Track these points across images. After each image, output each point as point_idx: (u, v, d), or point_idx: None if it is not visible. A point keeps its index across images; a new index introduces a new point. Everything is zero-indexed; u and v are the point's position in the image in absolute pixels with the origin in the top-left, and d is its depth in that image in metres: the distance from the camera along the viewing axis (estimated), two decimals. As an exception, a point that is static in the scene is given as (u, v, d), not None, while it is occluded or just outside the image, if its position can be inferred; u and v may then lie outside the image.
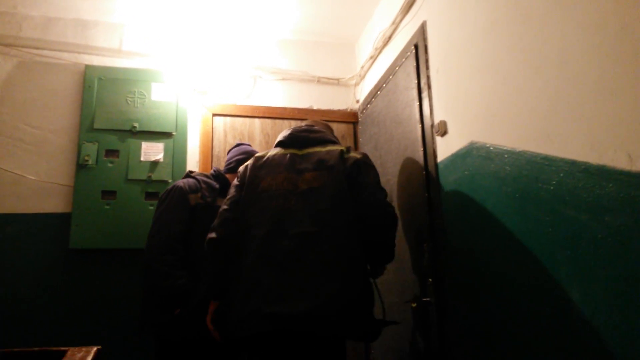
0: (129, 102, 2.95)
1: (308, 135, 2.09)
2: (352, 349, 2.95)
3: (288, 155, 2.04)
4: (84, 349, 1.26)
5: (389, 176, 2.58)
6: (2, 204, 2.74)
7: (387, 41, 2.77)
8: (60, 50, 2.99)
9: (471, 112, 1.89)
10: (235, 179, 2.12)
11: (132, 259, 2.75)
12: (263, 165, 2.05)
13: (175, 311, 2.14)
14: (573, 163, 1.34)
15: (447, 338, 1.97)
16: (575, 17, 1.36)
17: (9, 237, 2.70)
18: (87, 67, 2.96)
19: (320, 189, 1.91)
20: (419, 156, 2.22)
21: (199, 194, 2.34)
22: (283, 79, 3.33)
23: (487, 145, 1.76)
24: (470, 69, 1.91)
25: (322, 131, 2.13)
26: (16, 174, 2.77)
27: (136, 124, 2.91)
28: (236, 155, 2.53)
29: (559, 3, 1.43)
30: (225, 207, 2.04)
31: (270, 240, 1.84)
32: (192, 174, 2.46)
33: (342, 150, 1.99)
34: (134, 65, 3.08)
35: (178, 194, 2.31)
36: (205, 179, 2.44)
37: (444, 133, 2.07)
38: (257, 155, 2.14)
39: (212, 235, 1.98)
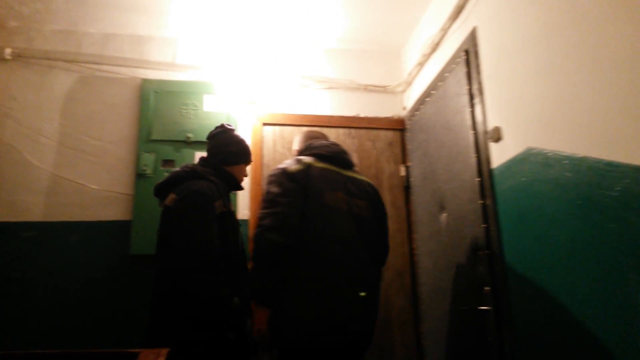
0: (183, 113, 3.05)
1: (345, 157, 2.26)
2: (405, 358, 2.95)
3: (338, 173, 2.16)
4: (154, 351, 1.29)
5: (440, 183, 2.58)
6: (66, 213, 2.88)
7: (435, 47, 2.77)
8: (118, 65, 3.14)
9: (527, 118, 1.87)
10: (285, 178, 2.02)
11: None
12: (320, 177, 2.07)
13: (231, 335, 1.94)
14: (638, 169, 1.31)
15: (505, 346, 1.94)
16: (635, 18, 1.34)
17: (73, 244, 2.84)
18: (144, 80, 3.08)
19: (367, 219, 2.12)
20: (472, 163, 2.21)
21: (222, 201, 2.08)
22: (330, 88, 3.37)
23: (545, 152, 1.74)
24: (525, 73, 1.90)
25: (350, 154, 2.30)
26: (79, 183, 2.91)
27: (190, 135, 3.01)
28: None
29: (617, 3, 1.41)
30: (287, 210, 1.94)
31: (344, 261, 1.97)
32: (201, 172, 2.15)
33: (374, 187, 2.27)
34: (187, 77, 3.19)
35: (207, 202, 2.02)
36: (216, 180, 2.16)
37: (498, 139, 2.06)
38: (306, 162, 2.10)
39: (277, 238, 1.88)
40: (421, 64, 2.99)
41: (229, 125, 2.37)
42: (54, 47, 3.12)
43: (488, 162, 2.11)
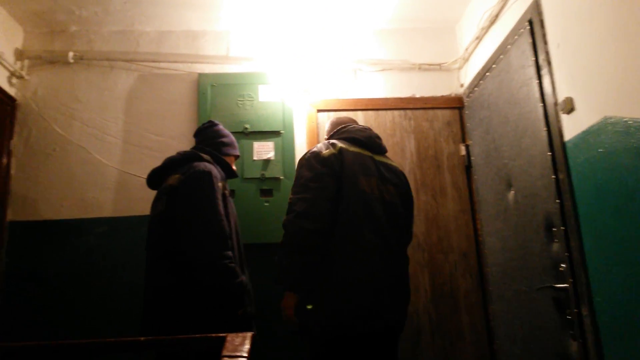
0: (239, 105, 3.09)
1: (380, 142, 2.23)
2: (475, 340, 2.90)
3: (371, 158, 2.12)
4: (241, 335, 1.32)
5: (506, 160, 2.49)
6: (134, 207, 2.99)
7: (494, 20, 2.67)
8: (174, 62, 3.21)
9: (602, 86, 1.77)
10: (317, 162, 1.98)
11: (249, 253, 2.89)
12: (354, 161, 2.03)
13: (239, 312, 1.99)
14: None
15: (584, 323, 1.87)
16: None
17: (142, 238, 2.93)
18: (200, 75, 3.14)
19: (396, 204, 2.10)
20: (542, 137, 2.12)
21: (223, 183, 2.14)
22: (383, 70, 3.32)
23: (625, 120, 1.65)
24: (597, 40, 1.79)
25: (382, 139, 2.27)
26: (144, 178, 3.00)
27: (247, 125, 3.05)
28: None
29: None
30: (318, 195, 1.91)
31: (378, 247, 1.96)
32: (201, 155, 2.18)
33: (404, 174, 2.24)
34: (242, 69, 3.22)
35: (213, 182, 2.05)
36: (215, 164, 2.19)
37: (570, 110, 1.96)
38: (340, 146, 2.05)
39: (308, 225, 1.86)
40: (479, 38, 2.89)
41: (215, 120, 2.46)
42: (113, 47, 3.22)
43: (560, 134, 2.02)
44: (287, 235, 1.91)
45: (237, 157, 2.46)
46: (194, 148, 2.30)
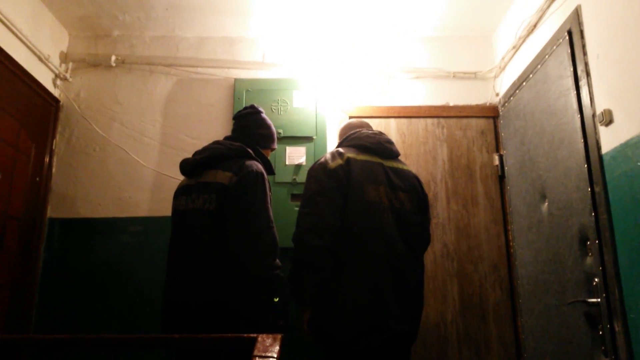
0: (273, 110, 3.14)
1: (391, 147, 2.18)
2: (502, 353, 2.86)
3: (381, 165, 2.09)
4: (271, 336, 1.35)
5: (541, 171, 2.46)
6: (169, 208, 2.97)
7: (532, 29, 2.64)
8: (212, 67, 3.29)
9: (643, 98, 1.74)
10: (324, 175, 1.98)
11: (279, 257, 2.92)
12: (362, 171, 2.01)
13: (279, 322, 1.98)
14: None
15: (617, 339, 1.83)
16: None
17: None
18: (236, 80, 3.20)
19: (408, 212, 2.07)
20: (578, 148, 2.09)
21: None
22: (417, 77, 3.32)
23: (666, 133, 1.61)
24: (638, 51, 1.76)
25: (394, 144, 2.23)
26: (180, 180, 3.07)
27: (280, 130, 3.08)
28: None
29: None
30: (325, 210, 1.91)
31: (386, 258, 1.94)
32: (250, 153, 2.12)
33: (417, 178, 2.20)
34: (276, 75, 3.27)
35: (266, 186, 2.03)
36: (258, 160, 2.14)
37: (608, 122, 1.93)
38: (347, 156, 2.04)
39: (316, 242, 1.85)
40: (516, 47, 2.86)
41: (259, 106, 2.34)
42: (154, 52, 3.32)
43: (598, 147, 1.98)
44: (295, 251, 1.91)
45: (273, 149, 2.38)
46: (233, 137, 2.22)
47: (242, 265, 1.88)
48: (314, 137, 3.12)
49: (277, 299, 1.94)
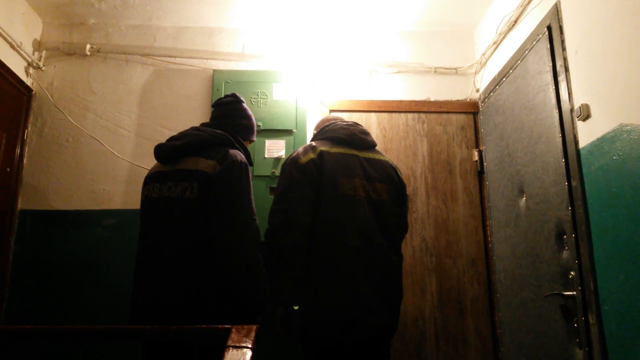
0: (253, 102, 3.09)
1: (366, 138, 2.16)
2: (480, 347, 2.87)
3: (356, 157, 2.06)
4: (246, 327, 1.32)
5: (519, 167, 2.47)
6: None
7: (513, 25, 2.65)
8: (190, 58, 3.23)
9: (619, 93, 1.75)
10: (295, 170, 1.95)
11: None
12: (335, 164, 1.98)
13: (258, 318, 1.89)
14: None
15: (591, 332, 1.84)
16: None
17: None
18: (215, 71, 3.15)
19: (386, 202, 2.05)
20: (556, 143, 2.10)
21: None
22: (398, 72, 3.31)
23: (642, 127, 1.62)
24: (616, 48, 1.78)
25: (370, 134, 2.22)
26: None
27: (260, 123, 3.04)
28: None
29: None
30: (296, 205, 1.88)
31: (362, 250, 1.91)
32: (233, 141, 2.05)
33: (395, 167, 2.18)
34: (256, 67, 3.23)
35: (249, 177, 1.97)
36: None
37: (586, 117, 1.94)
38: (321, 149, 2.01)
39: (287, 239, 1.82)
40: (496, 43, 2.87)
41: (240, 96, 2.29)
42: (130, 41, 3.24)
43: (575, 141, 1.99)
44: (267, 248, 1.87)
45: (252, 142, 2.32)
46: (213, 125, 2.14)
47: (226, 259, 1.80)
48: (294, 131, 3.09)
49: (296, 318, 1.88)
